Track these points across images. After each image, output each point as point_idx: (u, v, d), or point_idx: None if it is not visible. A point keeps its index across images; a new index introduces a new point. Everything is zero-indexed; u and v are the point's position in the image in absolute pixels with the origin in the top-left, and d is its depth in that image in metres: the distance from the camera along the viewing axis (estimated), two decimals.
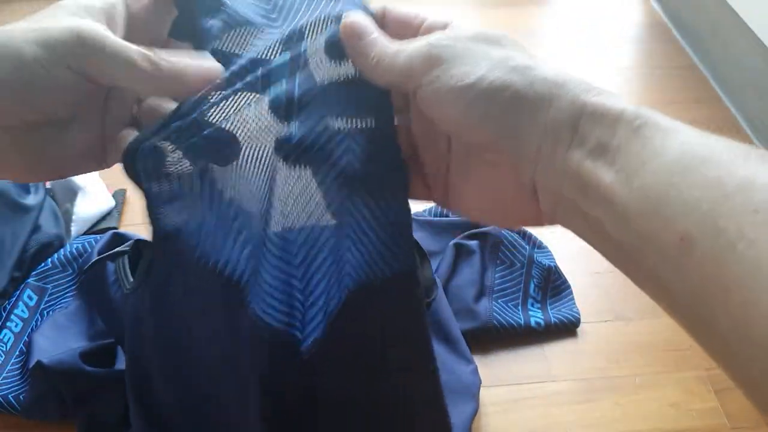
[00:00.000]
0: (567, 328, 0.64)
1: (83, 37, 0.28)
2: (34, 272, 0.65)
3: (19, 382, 0.57)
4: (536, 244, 0.70)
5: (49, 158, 0.32)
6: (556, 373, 0.61)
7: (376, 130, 0.33)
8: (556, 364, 0.61)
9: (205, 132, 0.31)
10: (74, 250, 0.66)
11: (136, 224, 0.72)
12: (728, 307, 0.21)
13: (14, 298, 0.63)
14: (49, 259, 0.65)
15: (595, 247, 0.27)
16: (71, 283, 0.65)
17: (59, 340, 0.59)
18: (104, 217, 0.72)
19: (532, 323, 0.63)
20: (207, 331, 0.38)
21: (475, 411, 0.57)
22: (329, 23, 0.32)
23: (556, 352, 0.62)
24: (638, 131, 0.24)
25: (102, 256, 0.56)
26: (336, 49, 0.32)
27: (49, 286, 0.64)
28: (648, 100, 0.95)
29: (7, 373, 0.58)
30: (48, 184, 0.72)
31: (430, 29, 0.31)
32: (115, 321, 0.58)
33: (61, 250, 0.66)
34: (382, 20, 0.33)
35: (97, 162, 0.34)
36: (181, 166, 0.32)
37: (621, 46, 1.06)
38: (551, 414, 0.58)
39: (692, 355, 0.61)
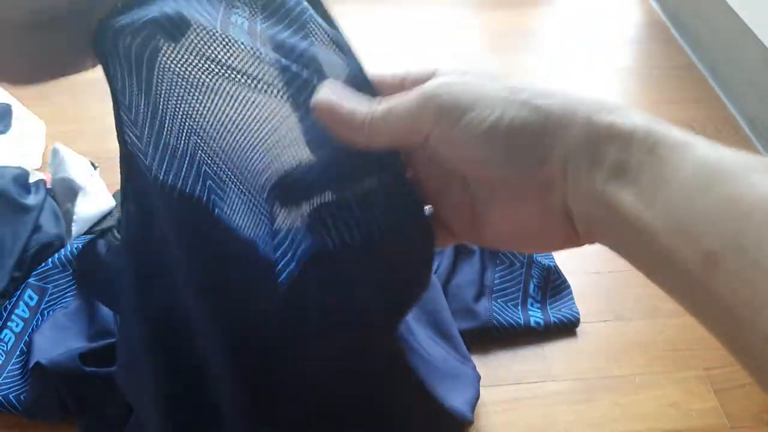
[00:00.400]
0: (567, 328, 0.64)
1: None
2: (34, 272, 0.65)
3: (19, 382, 0.57)
4: None
5: (49, 56, 0.33)
6: (556, 373, 0.61)
7: (392, 186, 0.32)
8: (556, 364, 0.61)
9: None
10: (74, 250, 0.66)
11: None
12: (756, 324, 0.21)
13: (15, 298, 0.63)
14: (50, 259, 0.65)
15: (631, 263, 0.27)
16: (71, 283, 0.65)
17: (59, 339, 0.59)
18: (105, 217, 0.72)
19: (532, 323, 0.63)
20: (180, 254, 0.36)
21: (477, 396, 0.57)
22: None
23: (556, 352, 0.63)
24: (652, 150, 0.25)
25: (91, 236, 0.55)
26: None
27: (49, 286, 0.64)
28: (647, 99, 0.95)
29: (7, 373, 0.58)
30: (48, 184, 0.72)
31: (417, 81, 0.30)
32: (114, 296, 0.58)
33: (62, 251, 0.66)
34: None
35: (90, 59, 0.34)
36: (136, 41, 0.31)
37: (620, 46, 1.06)
38: (551, 414, 0.58)
39: (692, 355, 0.61)
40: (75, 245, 0.66)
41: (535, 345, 0.63)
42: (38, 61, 0.33)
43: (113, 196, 0.74)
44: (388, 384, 0.42)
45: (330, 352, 0.38)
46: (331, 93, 0.30)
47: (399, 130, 0.29)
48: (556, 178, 0.27)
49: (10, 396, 0.56)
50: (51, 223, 0.68)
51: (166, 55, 0.31)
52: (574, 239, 0.29)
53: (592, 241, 0.28)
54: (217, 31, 0.31)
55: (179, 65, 0.31)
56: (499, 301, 0.65)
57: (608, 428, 0.57)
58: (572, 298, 0.66)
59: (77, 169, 0.73)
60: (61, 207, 0.71)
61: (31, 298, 0.63)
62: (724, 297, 0.22)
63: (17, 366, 0.59)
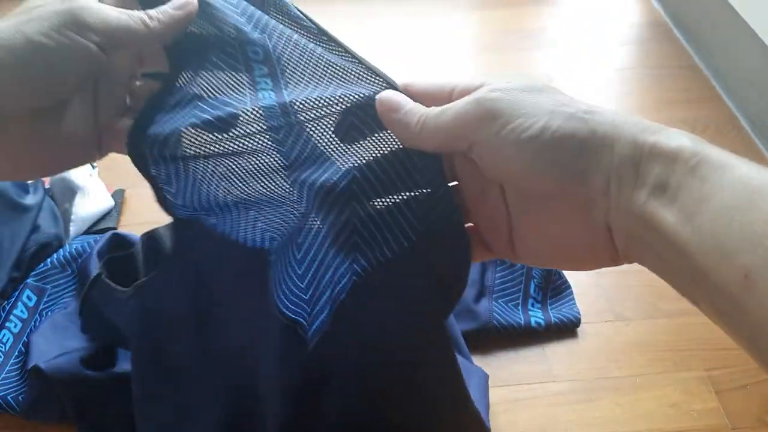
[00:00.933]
0: (567, 328, 0.64)
1: (79, 13, 0.30)
2: (33, 273, 0.64)
3: (18, 383, 0.57)
4: None
5: (52, 149, 0.33)
6: (557, 373, 0.61)
7: (432, 197, 0.33)
8: (557, 364, 0.61)
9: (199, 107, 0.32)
10: (73, 251, 0.66)
11: (135, 224, 0.72)
12: None
13: (13, 299, 0.63)
14: (48, 260, 0.65)
15: (669, 282, 0.27)
16: (70, 284, 0.65)
17: (58, 340, 0.59)
18: (103, 217, 0.72)
19: (533, 323, 0.63)
20: (238, 304, 0.39)
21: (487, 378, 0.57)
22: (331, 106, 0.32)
23: (556, 352, 0.62)
24: (695, 170, 0.25)
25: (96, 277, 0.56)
26: (353, 131, 0.32)
27: (48, 286, 0.64)
28: (649, 99, 0.95)
29: (6, 373, 0.58)
30: (47, 184, 0.72)
31: (465, 92, 0.31)
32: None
33: (60, 251, 0.66)
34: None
35: (95, 150, 0.35)
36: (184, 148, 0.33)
37: (622, 45, 1.06)
38: (551, 414, 0.58)
39: (692, 356, 0.61)
40: (74, 246, 0.66)
41: (536, 345, 0.62)
42: (41, 153, 0.33)
43: (112, 195, 0.74)
44: (438, 398, 0.42)
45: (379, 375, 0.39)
46: (394, 93, 0.32)
47: (448, 132, 0.29)
48: (598, 194, 0.27)
49: (9, 397, 0.56)
50: (49, 222, 0.68)
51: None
52: (613, 258, 0.29)
53: (630, 261, 0.29)
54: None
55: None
56: (499, 301, 0.65)
57: (609, 428, 0.57)
58: (573, 299, 0.66)
59: (76, 168, 0.73)
60: (59, 207, 0.71)
61: (29, 298, 0.63)
62: (761, 316, 0.22)
63: (16, 367, 0.58)
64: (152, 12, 0.32)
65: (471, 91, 0.30)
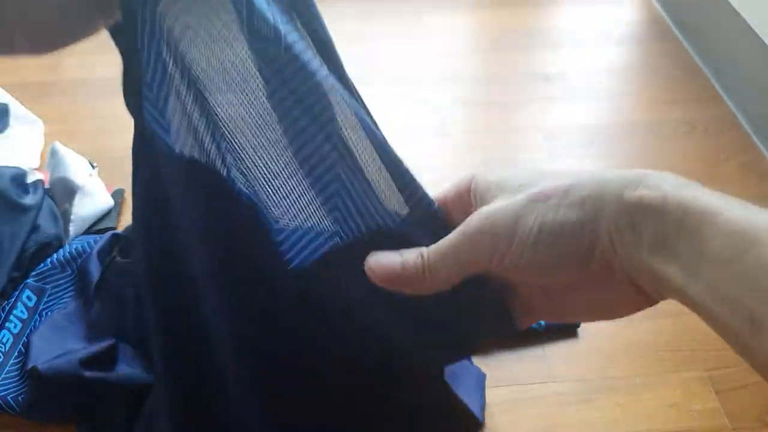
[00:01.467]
0: (567, 328, 0.64)
1: None
2: (33, 272, 0.64)
3: (17, 384, 0.57)
4: None
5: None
6: (556, 373, 0.61)
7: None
8: (557, 364, 0.61)
9: None
10: (73, 251, 0.66)
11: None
12: None
13: (13, 299, 0.62)
14: (48, 260, 0.65)
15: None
16: (70, 284, 0.65)
17: (57, 341, 0.59)
18: (103, 217, 0.72)
19: (533, 324, 0.63)
20: (198, 230, 0.37)
21: (484, 396, 0.57)
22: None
23: (556, 352, 0.62)
24: (683, 223, 0.25)
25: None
26: None
27: (48, 286, 0.64)
28: (648, 99, 0.95)
29: (6, 374, 0.58)
30: (47, 184, 0.72)
31: (460, 193, 0.33)
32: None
33: (60, 251, 0.66)
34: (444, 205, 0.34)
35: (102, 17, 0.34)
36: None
37: (621, 45, 1.06)
38: (551, 414, 0.58)
39: (693, 356, 0.61)
40: (74, 246, 0.66)
41: (536, 346, 0.62)
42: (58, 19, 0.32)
43: (111, 195, 0.74)
44: (411, 379, 0.41)
45: (354, 347, 0.38)
46: (377, 257, 0.31)
47: (461, 268, 0.30)
48: (611, 257, 0.27)
49: (8, 397, 0.56)
50: (49, 222, 0.68)
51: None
52: (649, 301, 0.30)
53: (664, 299, 0.29)
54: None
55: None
56: None
57: (608, 429, 0.57)
58: None
59: (75, 168, 0.73)
60: (59, 207, 0.71)
61: (29, 298, 0.63)
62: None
63: (16, 367, 0.58)
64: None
65: (464, 191, 0.32)
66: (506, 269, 0.29)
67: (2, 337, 0.60)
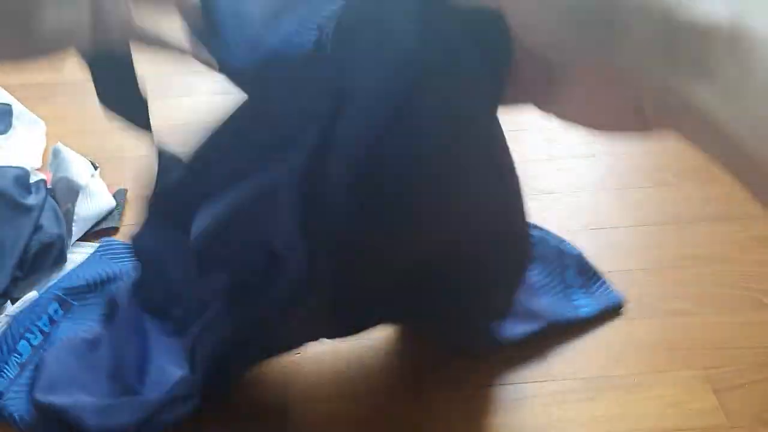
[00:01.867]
0: (613, 312, 0.64)
1: None
2: (62, 286, 0.62)
3: (24, 401, 0.54)
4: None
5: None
6: (556, 372, 0.61)
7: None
8: (556, 363, 0.61)
9: None
10: (106, 273, 0.64)
11: (138, 224, 0.72)
12: None
13: (37, 307, 0.60)
14: (83, 276, 0.63)
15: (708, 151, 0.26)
16: (98, 305, 0.62)
17: (71, 371, 0.55)
18: (105, 217, 0.73)
19: (582, 314, 0.63)
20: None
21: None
22: None
23: (556, 351, 0.63)
24: (734, 46, 0.23)
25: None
26: None
27: (75, 303, 0.62)
28: None
29: (19, 387, 0.55)
30: (49, 184, 0.73)
31: None
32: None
33: (95, 271, 0.64)
34: None
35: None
36: None
37: None
38: (551, 414, 0.58)
39: (692, 355, 0.61)
40: (108, 268, 0.64)
41: (535, 345, 0.63)
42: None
43: (114, 195, 0.74)
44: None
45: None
46: None
47: None
48: (628, 68, 0.25)
49: (15, 414, 0.53)
50: (52, 223, 0.68)
51: None
52: (647, 124, 0.28)
53: (663, 127, 0.27)
54: None
55: None
56: (547, 297, 0.64)
57: (608, 428, 0.57)
58: (608, 283, 0.66)
59: (78, 168, 0.73)
60: (61, 207, 0.71)
61: (56, 312, 0.60)
62: None
63: (26, 382, 0.55)
64: None
65: None
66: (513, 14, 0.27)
67: (20, 347, 0.58)
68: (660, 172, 0.82)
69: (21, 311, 0.61)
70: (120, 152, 0.80)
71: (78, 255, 0.68)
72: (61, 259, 0.67)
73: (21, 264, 0.65)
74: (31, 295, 0.62)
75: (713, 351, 0.61)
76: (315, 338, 0.55)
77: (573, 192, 0.79)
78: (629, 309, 0.65)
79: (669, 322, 0.64)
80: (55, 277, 0.65)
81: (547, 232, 0.69)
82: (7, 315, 0.60)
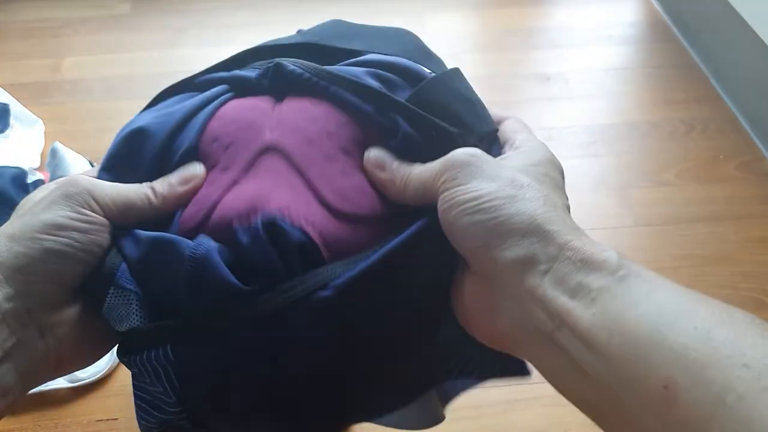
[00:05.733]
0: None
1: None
2: None
3: None
4: None
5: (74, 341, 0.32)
6: None
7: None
8: None
9: None
10: None
11: None
12: None
13: None
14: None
15: (566, 386, 0.26)
16: None
17: None
18: None
19: None
20: None
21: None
22: None
23: None
24: (623, 280, 0.25)
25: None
26: None
27: None
28: (648, 99, 0.95)
29: None
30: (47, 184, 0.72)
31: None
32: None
33: None
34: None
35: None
36: None
37: (621, 45, 1.06)
38: (551, 414, 0.58)
39: None
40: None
41: None
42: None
43: None
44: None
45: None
46: (379, 152, 0.33)
47: (421, 186, 0.31)
48: (501, 275, 0.27)
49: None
50: None
51: None
52: (501, 338, 0.29)
53: (515, 350, 0.29)
54: None
55: None
56: None
57: None
58: None
59: (76, 168, 0.73)
60: None
61: None
62: (683, 430, 0.21)
63: None
64: (158, 186, 0.32)
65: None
66: (442, 203, 0.29)
67: None
68: (660, 173, 0.82)
69: None
70: None
71: None
72: None
73: None
74: None
75: None
76: None
77: (573, 192, 0.79)
78: None
79: None
80: None
81: None
82: None
